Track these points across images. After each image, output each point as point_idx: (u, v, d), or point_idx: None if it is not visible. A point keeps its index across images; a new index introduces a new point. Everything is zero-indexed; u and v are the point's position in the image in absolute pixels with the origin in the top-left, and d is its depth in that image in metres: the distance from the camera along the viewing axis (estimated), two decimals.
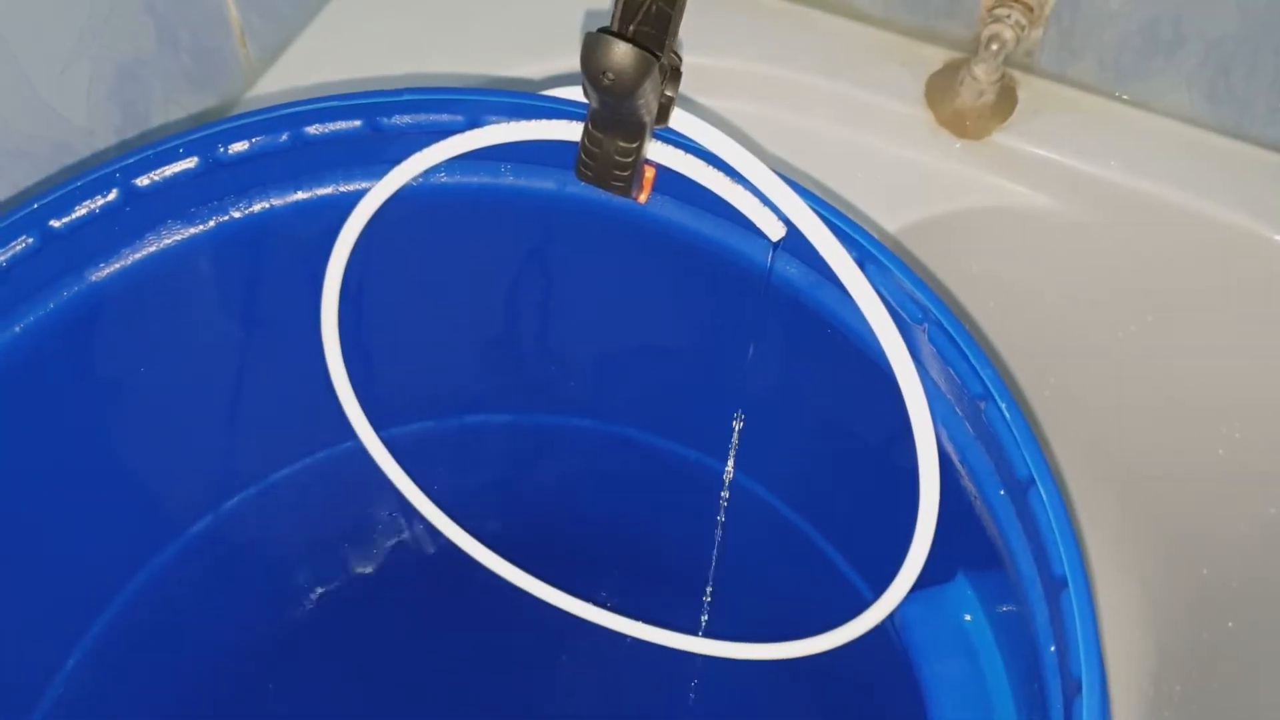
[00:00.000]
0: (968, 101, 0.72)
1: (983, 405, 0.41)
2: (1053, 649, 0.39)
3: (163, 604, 0.58)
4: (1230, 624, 0.77)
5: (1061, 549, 0.37)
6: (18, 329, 0.45)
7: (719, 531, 0.64)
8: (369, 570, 0.68)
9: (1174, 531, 0.81)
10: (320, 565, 0.66)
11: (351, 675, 0.72)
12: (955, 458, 0.44)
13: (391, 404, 0.59)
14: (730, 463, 0.59)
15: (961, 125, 0.72)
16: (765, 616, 0.61)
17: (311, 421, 0.58)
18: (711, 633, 0.61)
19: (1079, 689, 0.36)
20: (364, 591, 0.69)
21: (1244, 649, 0.75)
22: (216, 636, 0.64)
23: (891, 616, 0.50)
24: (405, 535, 0.67)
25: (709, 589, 0.67)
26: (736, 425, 0.57)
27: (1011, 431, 0.39)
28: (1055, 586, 0.38)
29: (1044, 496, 0.38)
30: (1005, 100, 0.73)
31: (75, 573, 0.53)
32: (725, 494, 0.61)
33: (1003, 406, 0.39)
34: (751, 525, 0.62)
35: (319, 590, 0.67)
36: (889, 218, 0.69)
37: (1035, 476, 0.38)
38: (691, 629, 0.62)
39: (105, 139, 0.63)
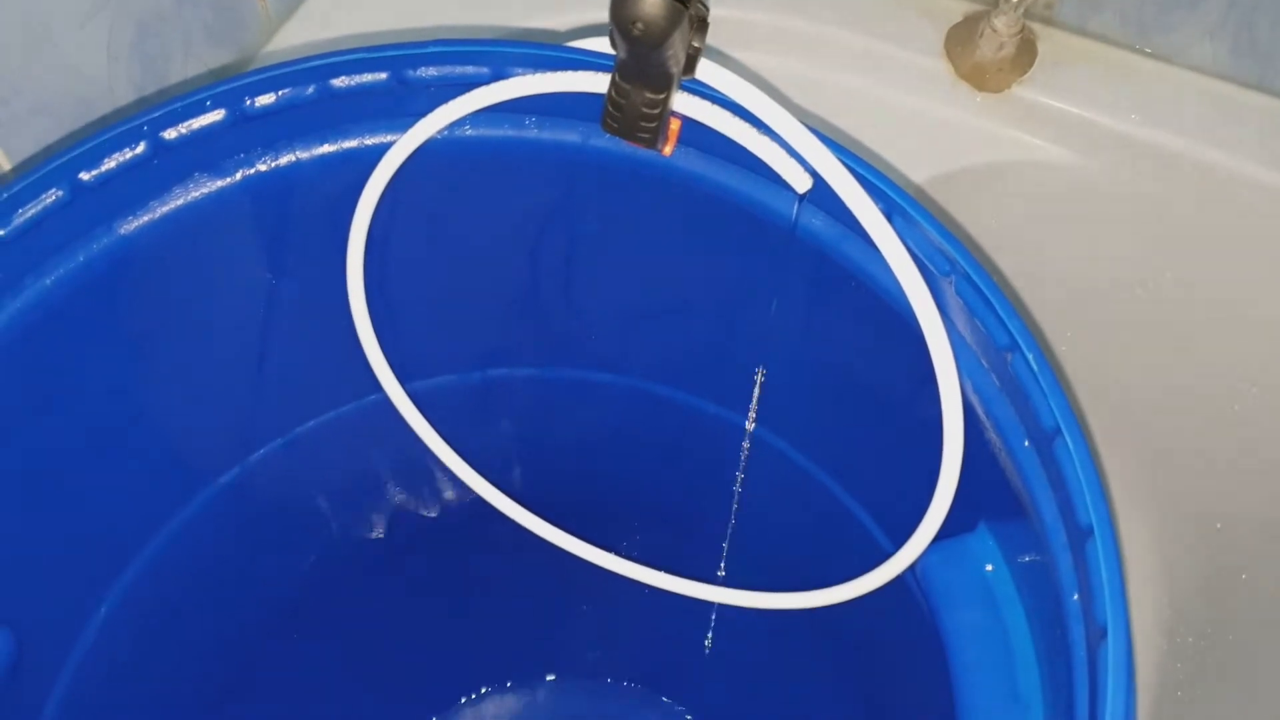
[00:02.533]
0: (987, 54, 0.71)
1: (1009, 356, 0.41)
2: (1076, 597, 0.39)
3: (192, 554, 0.58)
4: (1244, 576, 0.77)
5: (1088, 498, 0.38)
6: (49, 281, 0.45)
7: (739, 485, 0.64)
8: (394, 521, 0.69)
9: (1189, 488, 0.81)
10: (346, 516, 0.67)
11: (374, 624, 0.73)
12: (980, 410, 0.44)
13: (415, 357, 0.59)
14: (751, 416, 0.59)
15: (981, 78, 0.72)
16: (784, 569, 0.62)
17: (337, 374, 0.59)
18: (731, 584, 0.61)
19: (1104, 635, 0.36)
20: (389, 542, 0.69)
21: (1258, 601, 0.76)
22: (245, 586, 0.64)
23: (913, 567, 0.50)
24: (429, 487, 0.68)
25: (728, 542, 0.68)
26: (758, 379, 0.57)
27: (1038, 382, 0.39)
28: (1080, 535, 0.38)
29: (1070, 446, 0.38)
30: (1025, 53, 0.72)
31: (106, 522, 0.54)
32: (746, 447, 0.62)
33: (1030, 357, 0.40)
34: (772, 478, 0.63)
35: (343, 540, 0.68)
36: (906, 171, 0.69)
37: (1062, 426, 0.39)
38: (711, 581, 0.62)
39: (125, 95, 0.63)
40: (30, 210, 0.43)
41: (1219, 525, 0.79)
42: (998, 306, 0.41)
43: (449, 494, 0.69)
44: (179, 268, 0.50)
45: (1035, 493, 0.42)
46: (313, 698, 0.72)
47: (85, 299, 0.47)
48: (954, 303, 0.43)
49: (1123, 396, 0.80)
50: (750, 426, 0.59)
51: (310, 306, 0.55)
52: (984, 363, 0.43)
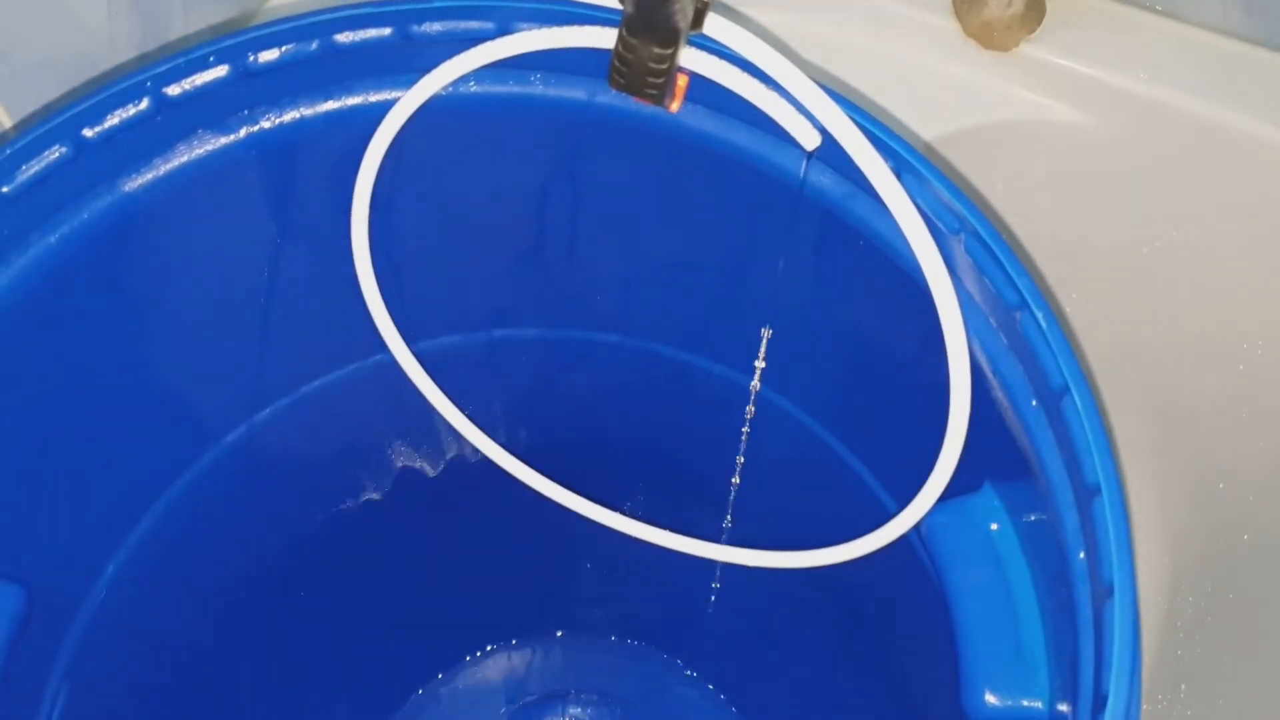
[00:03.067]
0: (995, 12, 0.71)
1: (1018, 315, 0.41)
2: (1082, 555, 0.40)
3: (199, 512, 0.59)
4: (1246, 536, 0.77)
5: (1095, 456, 0.38)
6: (53, 239, 0.45)
7: (744, 445, 0.64)
8: (400, 480, 0.69)
9: (1191, 447, 0.81)
10: (352, 475, 0.67)
11: (380, 582, 0.73)
12: (987, 369, 0.44)
13: (420, 318, 0.59)
14: (757, 377, 0.59)
15: (989, 36, 0.71)
16: (788, 529, 0.62)
17: (342, 334, 0.59)
18: (735, 544, 0.62)
19: (1110, 593, 0.36)
20: (394, 501, 0.69)
21: (1259, 561, 0.76)
22: (251, 544, 0.65)
23: (918, 526, 0.50)
24: (435, 447, 0.68)
25: (733, 502, 0.68)
26: (764, 339, 0.57)
27: (1047, 340, 0.39)
28: (1087, 494, 0.38)
29: (1078, 405, 0.38)
30: (1033, 11, 0.72)
31: (114, 480, 0.54)
32: (751, 408, 0.62)
33: (1039, 316, 0.40)
34: (777, 439, 0.63)
35: (350, 499, 0.68)
36: (913, 130, 0.69)
37: (1070, 385, 0.39)
38: (715, 540, 0.63)
39: (126, 51, 0.63)
40: (34, 167, 0.43)
41: (1221, 485, 0.80)
42: (1007, 265, 0.40)
43: (455, 454, 0.69)
44: (184, 225, 0.49)
45: (1042, 452, 0.42)
46: (319, 654, 0.73)
47: (90, 256, 0.47)
48: (963, 261, 0.43)
49: (1127, 355, 0.80)
50: (755, 387, 0.59)
51: (315, 265, 0.55)
52: (992, 321, 0.43)
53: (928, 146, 0.68)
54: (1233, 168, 0.70)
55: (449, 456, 0.69)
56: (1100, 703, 0.35)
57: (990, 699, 0.45)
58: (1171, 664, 0.79)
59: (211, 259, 0.52)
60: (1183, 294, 0.77)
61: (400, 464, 0.69)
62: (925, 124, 0.69)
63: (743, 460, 0.65)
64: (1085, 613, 0.39)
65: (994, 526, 0.47)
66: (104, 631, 0.56)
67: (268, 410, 0.60)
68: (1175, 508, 0.82)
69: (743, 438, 0.64)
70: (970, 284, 0.43)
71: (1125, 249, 0.76)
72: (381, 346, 0.57)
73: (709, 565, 0.73)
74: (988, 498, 0.47)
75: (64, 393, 0.50)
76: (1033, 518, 0.45)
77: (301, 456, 0.64)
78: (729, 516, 0.68)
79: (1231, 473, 0.80)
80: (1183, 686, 0.78)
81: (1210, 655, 0.77)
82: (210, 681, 0.65)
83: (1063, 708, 0.42)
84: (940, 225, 0.43)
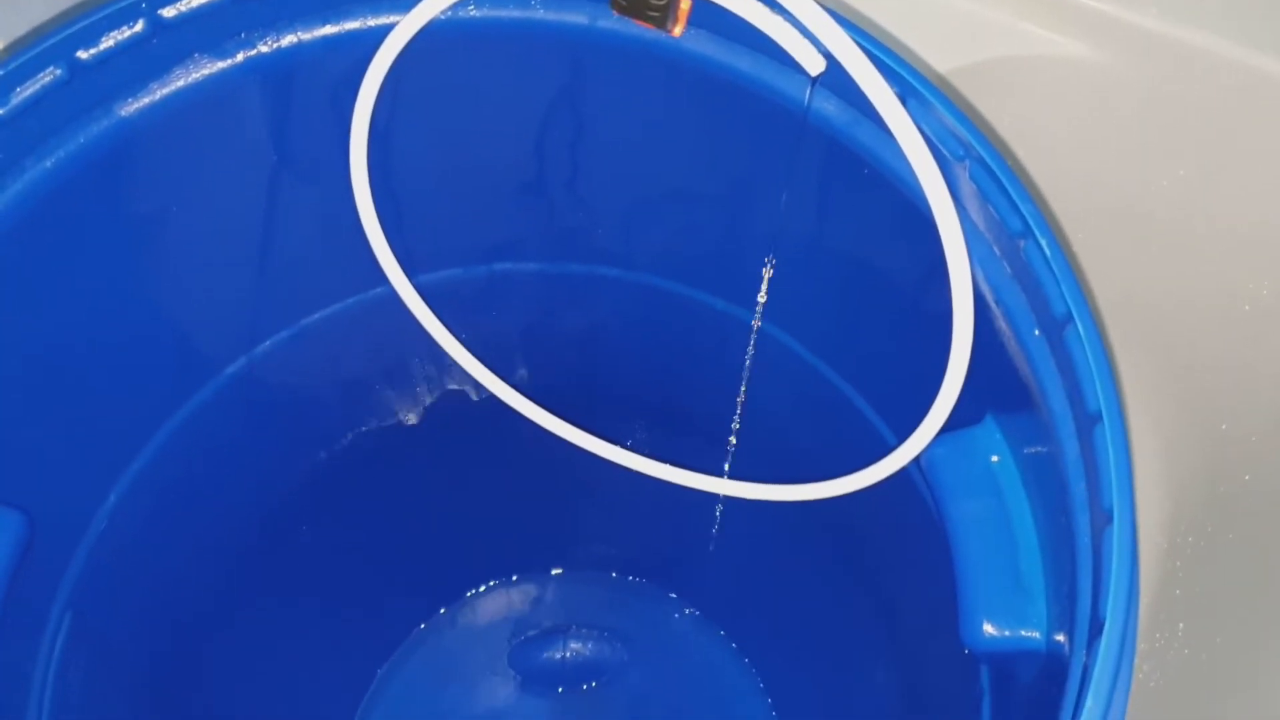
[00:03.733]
0: None
1: (1022, 243, 0.40)
2: (1083, 484, 0.39)
3: (201, 443, 0.59)
4: (1247, 477, 0.77)
5: (1098, 384, 0.37)
6: (49, 163, 0.45)
7: (745, 381, 0.64)
8: (399, 414, 0.69)
9: (1195, 387, 0.81)
10: (351, 409, 0.67)
11: (382, 517, 0.73)
12: (990, 298, 0.44)
13: (420, 250, 0.59)
14: (759, 311, 0.59)
15: None
16: (789, 465, 0.62)
17: (342, 266, 0.58)
18: (736, 480, 0.62)
19: (1109, 520, 0.36)
20: (394, 436, 0.70)
21: (1261, 502, 0.76)
22: (253, 478, 0.65)
23: (918, 459, 0.50)
24: (436, 382, 0.68)
25: (734, 438, 0.68)
26: (766, 273, 0.57)
27: (1051, 268, 0.39)
28: (1089, 422, 0.38)
29: (1081, 332, 0.38)
30: None
31: (114, 409, 0.54)
32: (752, 343, 0.61)
33: (1043, 243, 0.39)
34: (778, 374, 0.63)
35: (351, 434, 0.68)
36: (917, 66, 0.68)
37: (1074, 313, 0.38)
38: (716, 475, 0.63)
39: None
40: (28, 89, 0.43)
41: (1224, 426, 0.79)
42: (1012, 191, 0.40)
43: (456, 389, 0.69)
44: (181, 152, 0.49)
45: (1044, 381, 0.42)
46: (321, 589, 0.73)
47: (86, 182, 0.46)
48: (967, 188, 0.42)
49: (1131, 297, 0.80)
50: (757, 322, 0.59)
51: (314, 195, 0.54)
52: (996, 250, 0.43)
53: (941, 78, 0.67)
54: (1241, 105, 0.69)
55: (449, 392, 0.69)
56: (1097, 628, 0.35)
57: (988, 629, 0.45)
58: (1169, 604, 0.79)
59: (209, 186, 0.52)
60: (1190, 233, 0.76)
61: (401, 399, 0.69)
62: (930, 59, 0.68)
63: (743, 396, 0.65)
64: (1084, 542, 0.39)
65: (994, 458, 0.47)
66: (106, 561, 0.56)
67: (268, 342, 0.60)
68: (1177, 450, 0.82)
69: (744, 373, 0.63)
70: (974, 212, 0.43)
71: (1131, 188, 0.75)
72: (381, 279, 0.57)
73: (709, 502, 0.73)
74: (989, 430, 0.47)
75: (61, 319, 0.49)
76: (1033, 450, 0.45)
77: (302, 390, 0.64)
78: (729, 452, 0.68)
79: (1234, 415, 0.79)
80: (1180, 626, 0.79)
81: (1209, 596, 0.78)
82: (212, 614, 0.66)
83: (1060, 638, 0.43)
84: (945, 152, 0.42)
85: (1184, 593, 0.79)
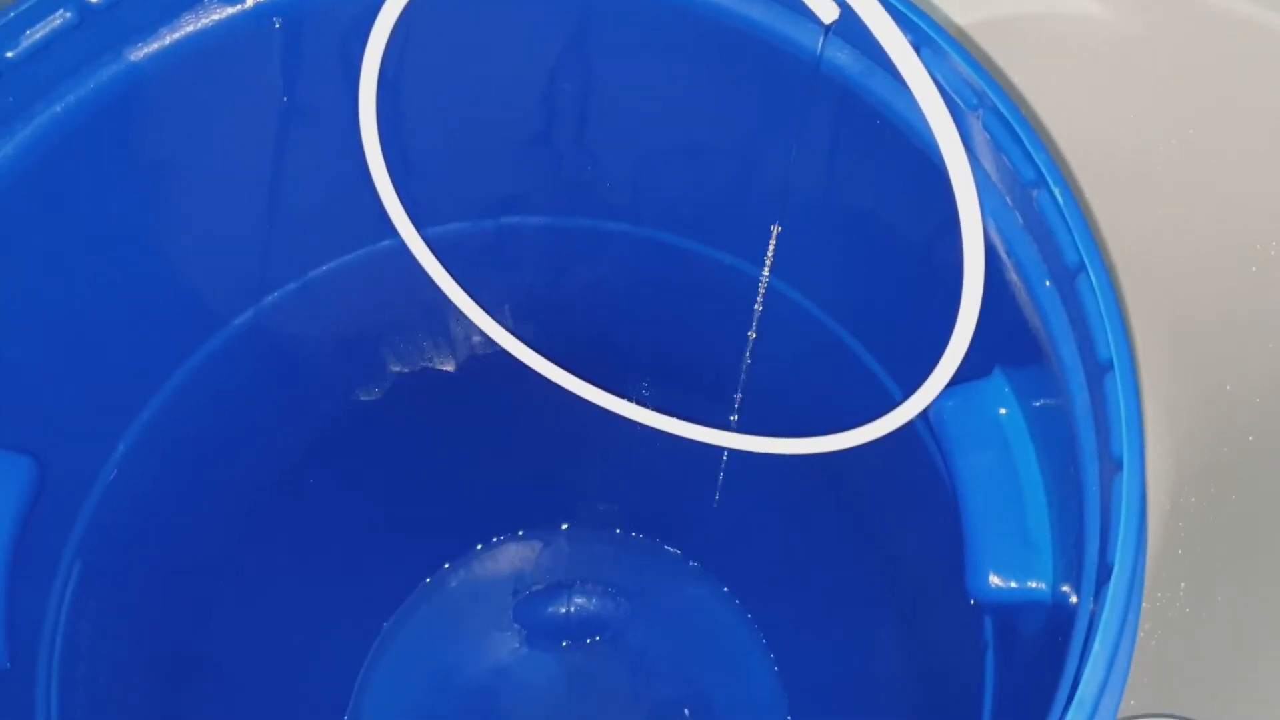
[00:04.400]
0: None
1: (1035, 192, 0.40)
2: (1092, 434, 0.40)
3: (209, 395, 0.59)
4: (1251, 438, 0.78)
5: (1109, 332, 0.37)
6: (58, 108, 0.45)
7: (752, 337, 0.64)
8: (406, 369, 0.69)
9: (1200, 347, 0.81)
10: (358, 364, 0.67)
11: (388, 471, 0.74)
12: (1001, 249, 0.43)
13: (427, 204, 0.58)
14: (767, 267, 0.59)
15: None
16: (795, 421, 0.62)
17: (350, 218, 0.58)
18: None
19: (1119, 468, 0.37)
20: (401, 391, 0.70)
21: (1264, 463, 0.76)
22: (260, 431, 0.65)
23: (925, 412, 0.50)
24: (443, 335, 0.68)
25: (739, 395, 0.68)
26: (775, 228, 0.57)
27: (1064, 217, 0.39)
28: (1099, 371, 0.38)
29: (1094, 281, 0.38)
30: None
31: (122, 358, 0.54)
32: (760, 298, 0.61)
33: (1056, 191, 0.39)
34: (785, 330, 0.63)
35: (357, 388, 0.69)
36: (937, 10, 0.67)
37: (1086, 261, 0.38)
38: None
39: None
40: (38, 32, 0.42)
41: (1228, 386, 0.80)
42: (1026, 140, 0.40)
43: (463, 343, 0.69)
44: (189, 99, 0.49)
45: (1054, 332, 0.42)
46: (328, 542, 0.74)
47: (96, 128, 0.46)
48: (980, 138, 0.42)
49: (1138, 255, 0.79)
50: (765, 277, 0.59)
51: (322, 146, 0.54)
52: (1008, 200, 0.43)
53: (959, 29, 0.67)
54: (1253, 65, 0.68)
55: (456, 346, 0.69)
56: (1105, 574, 0.36)
57: (995, 581, 0.45)
58: (1172, 563, 0.80)
59: (218, 135, 0.51)
60: (1197, 194, 0.76)
61: (408, 354, 0.69)
62: (946, 10, 0.68)
63: (750, 352, 0.65)
64: (1093, 491, 0.39)
65: (1002, 411, 0.47)
66: (115, 511, 0.56)
67: (275, 294, 0.60)
68: (1181, 410, 0.82)
69: (751, 329, 0.63)
70: (987, 162, 0.43)
71: (1139, 148, 0.75)
72: (388, 232, 0.57)
73: (714, 458, 0.74)
74: (997, 383, 0.47)
75: (70, 265, 0.49)
76: (1042, 402, 0.45)
77: (309, 344, 0.64)
78: (736, 409, 0.68)
79: (1239, 375, 0.79)
80: (1182, 585, 0.79)
81: (1211, 555, 0.78)
82: (220, 565, 0.66)
83: (1066, 589, 0.43)
84: (959, 101, 0.42)
85: (1186, 552, 0.80)
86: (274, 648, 0.71)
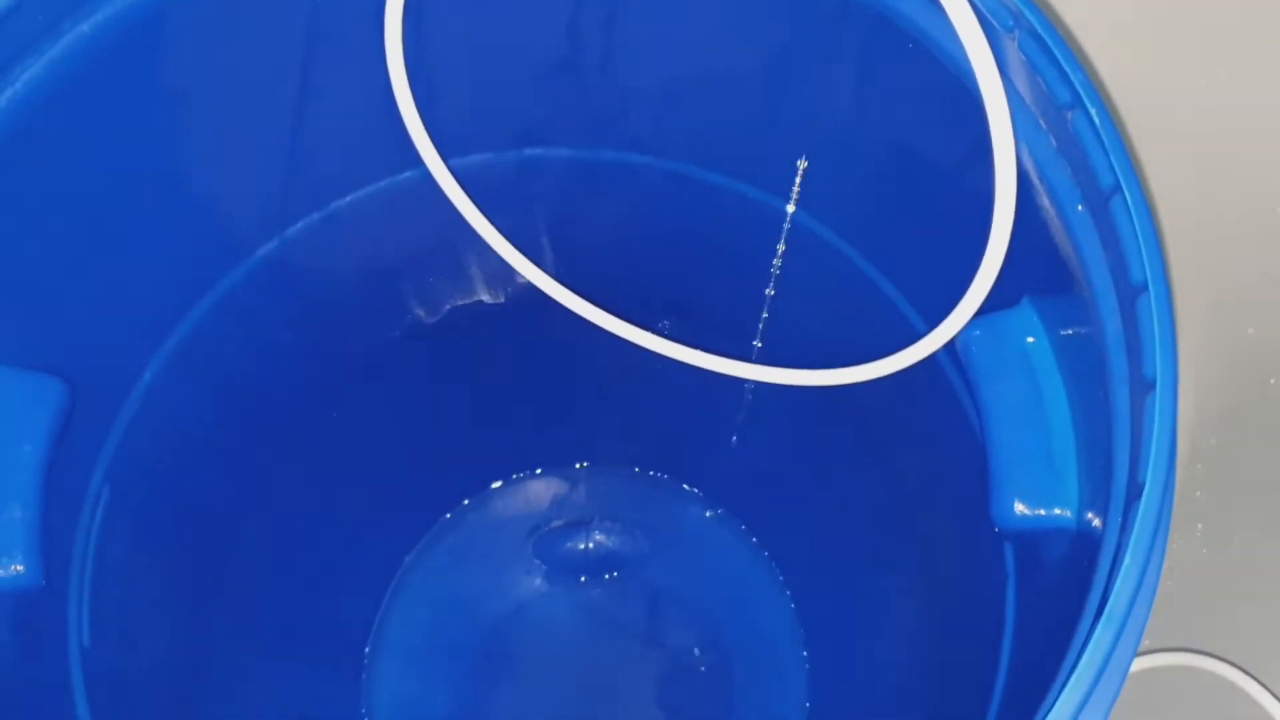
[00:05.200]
0: None
1: (1070, 114, 0.40)
2: (1123, 357, 0.40)
3: (233, 324, 0.59)
4: (1272, 381, 0.77)
5: (1144, 253, 0.37)
6: (86, 27, 0.44)
7: (775, 272, 0.64)
8: (429, 302, 0.69)
9: (1222, 290, 0.81)
10: (382, 296, 0.68)
11: (410, 406, 0.74)
12: (1034, 174, 0.43)
13: (450, 134, 0.58)
14: (793, 199, 0.59)
15: None
16: (817, 356, 0.62)
17: (373, 147, 0.58)
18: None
19: (1151, 388, 0.37)
20: (424, 324, 0.70)
21: None
22: (284, 362, 0.65)
23: (952, 343, 0.50)
24: (464, 269, 0.68)
25: (761, 332, 0.68)
26: (802, 160, 0.56)
27: (1099, 137, 0.39)
28: (1132, 293, 0.38)
29: (1129, 201, 0.38)
30: None
31: (148, 284, 0.54)
32: (785, 232, 0.61)
33: (1092, 112, 0.39)
34: (809, 265, 0.62)
35: (381, 320, 0.69)
36: None
37: (1121, 182, 0.38)
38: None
39: None
40: None
41: (1251, 330, 0.79)
42: (1062, 60, 0.40)
43: (484, 277, 0.69)
44: (215, 24, 0.49)
45: (1085, 257, 0.42)
46: (349, 476, 0.74)
47: (124, 49, 0.46)
48: (1015, 59, 0.42)
49: (1162, 198, 0.79)
50: (792, 206, 0.59)
51: (347, 72, 0.54)
52: (1042, 124, 0.42)
53: None
54: None
55: (478, 280, 0.69)
56: (1136, 492, 0.36)
57: (1019, 508, 0.45)
58: (1189, 505, 0.80)
59: (242, 61, 0.51)
60: (1224, 136, 0.75)
61: (429, 288, 0.69)
62: None
63: (774, 288, 0.65)
64: (1123, 414, 0.39)
65: (1030, 340, 0.47)
66: (142, 437, 0.57)
67: (299, 224, 0.60)
68: (1202, 352, 0.82)
69: (774, 263, 0.63)
70: (1021, 85, 0.42)
71: (1168, 88, 0.74)
72: (412, 162, 0.57)
73: (733, 396, 0.74)
74: (1024, 312, 0.47)
75: (95, 190, 0.49)
76: (1070, 329, 0.45)
77: (333, 276, 0.64)
78: (757, 345, 0.68)
79: (1261, 320, 0.79)
80: (1199, 526, 0.79)
81: (1229, 496, 0.78)
82: (244, 494, 0.67)
83: (1091, 515, 0.43)
84: (994, 23, 0.41)
85: (1204, 494, 0.80)
86: (298, 578, 0.72)
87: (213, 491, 0.64)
